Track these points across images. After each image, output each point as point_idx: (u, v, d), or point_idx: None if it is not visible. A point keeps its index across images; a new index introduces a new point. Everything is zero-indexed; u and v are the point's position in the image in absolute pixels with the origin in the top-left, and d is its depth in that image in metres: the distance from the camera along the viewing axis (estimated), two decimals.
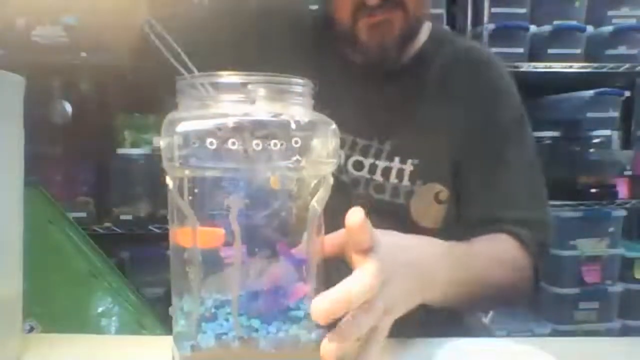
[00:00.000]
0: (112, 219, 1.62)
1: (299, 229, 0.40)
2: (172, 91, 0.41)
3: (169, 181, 0.39)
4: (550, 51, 1.82)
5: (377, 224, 0.44)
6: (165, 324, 1.13)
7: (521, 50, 1.80)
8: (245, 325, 0.39)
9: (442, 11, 1.75)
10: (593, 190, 1.84)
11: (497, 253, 0.67)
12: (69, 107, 1.59)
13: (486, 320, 1.17)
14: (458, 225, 0.75)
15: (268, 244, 0.39)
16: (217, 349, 0.38)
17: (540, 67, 1.80)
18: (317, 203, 0.40)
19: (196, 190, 0.38)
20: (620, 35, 1.85)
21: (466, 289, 0.56)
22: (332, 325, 0.39)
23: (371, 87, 0.76)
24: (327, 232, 0.44)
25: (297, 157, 0.38)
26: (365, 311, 0.40)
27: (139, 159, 1.63)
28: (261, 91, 0.38)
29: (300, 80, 0.41)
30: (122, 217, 1.62)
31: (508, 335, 1.70)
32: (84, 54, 1.53)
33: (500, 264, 0.66)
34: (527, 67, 1.78)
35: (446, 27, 1.66)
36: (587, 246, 1.81)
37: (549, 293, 1.83)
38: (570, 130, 1.92)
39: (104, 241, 1.28)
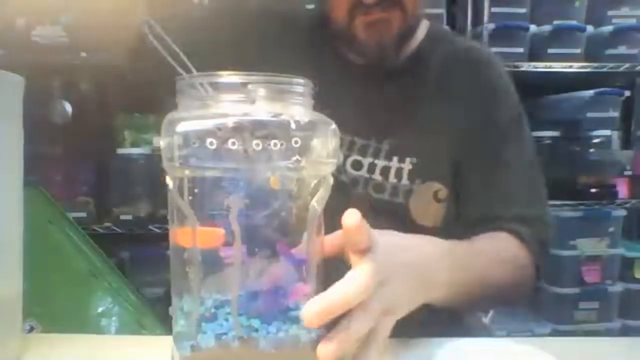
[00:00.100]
0: (112, 219, 1.62)
1: (299, 229, 0.40)
2: (172, 91, 0.41)
3: (168, 181, 0.39)
4: (550, 51, 1.82)
5: (376, 224, 0.44)
6: (165, 324, 1.13)
7: (521, 50, 1.80)
8: (245, 325, 0.39)
9: (442, 11, 1.74)
10: (593, 190, 1.84)
11: (498, 252, 0.67)
12: (69, 107, 1.59)
13: (486, 320, 1.17)
14: (458, 224, 0.75)
15: (268, 244, 0.39)
16: (217, 349, 0.38)
17: (540, 67, 1.80)
18: (317, 203, 0.40)
19: (196, 190, 0.38)
20: (620, 35, 1.85)
21: (467, 289, 0.56)
22: (331, 325, 0.39)
23: (369, 87, 0.76)
24: (327, 232, 0.44)
25: (297, 157, 0.38)
26: (361, 312, 0.40)
27: (139, 159, 1.63)
28: (261, 91, 0.38)
29: (300, 80, 0.41)
30: (122, 217, 1.62)
31: (508, 335, 1.70)
32: (84, 54, 1.53)
33: (502, 263, 0.66)
34: (527, 67, 1.78)
35: (446, 27, 1.66)
36: (587, 246, 1.81)
37: (549, 293, 1.83)
38: (570, 130, 1.92)
39: (104, 241, 1.29)
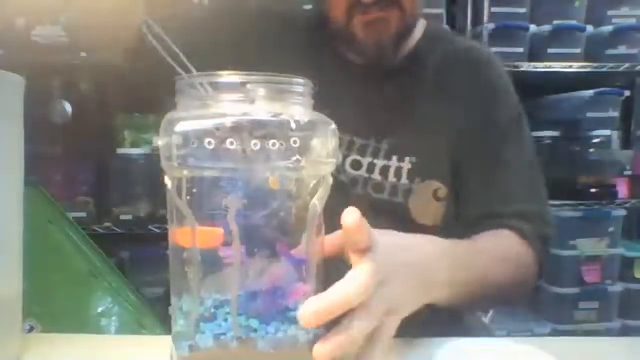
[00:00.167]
0: (112, 219, 1.62)
1: (299, 230, 0.40)
2: (172, 91, 0.41)
3: (167, 181, 0.39)
4: (550, 51, 1.82)
5: (376, 224, 0.43)
6: (165, 324, 1.13)
7: (521, 50, 1.80)
8: (244, 325, 0.39)
9: (442, 11, 1.74)
10: (593, 190, 1.84)
11: (500, 250, 0.67)
12: (69, 107, 1.59)
13: (486, 320, 1.17)
14: (458, 223, 0.75)
15: (267, 245, 0.39)
16: (216, 349, 0.38)
17: (540, 67, 1.80)
18: (317, 203, 0.40)
19: (195, 190, 0.38)
20: (620, 35, 1.85)
21: (469, 288, 0.56)
22: (331, 326, 0.39)
23: (368, 86, 0.76)
24: (327, 232, 0.44)
25: (297, 157, 0.38)
26: (363, 312, 0.39)
27: (139, 159, 1.63)
28: (261, 91, 0.38)
29: (300, 80, 0.40)
30: (122, 217, 1.62)
31: (508, 335, 1.70)
32: (84, 54, 1.53)
33: (504, 261, 0.65)
34: (527, 67, 1.78)
35: (446, 27, 1.66)
36: (587, 246, 1.81)
37: (549, 293, 1.83)
38: (570, 130, 1.92)
39: (104, 241, 1.29)
